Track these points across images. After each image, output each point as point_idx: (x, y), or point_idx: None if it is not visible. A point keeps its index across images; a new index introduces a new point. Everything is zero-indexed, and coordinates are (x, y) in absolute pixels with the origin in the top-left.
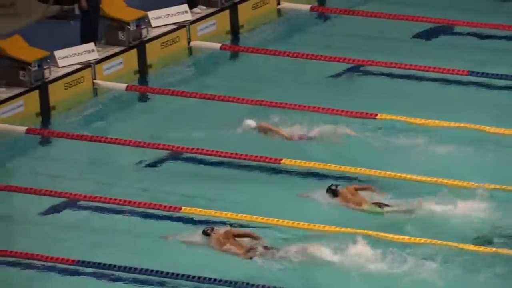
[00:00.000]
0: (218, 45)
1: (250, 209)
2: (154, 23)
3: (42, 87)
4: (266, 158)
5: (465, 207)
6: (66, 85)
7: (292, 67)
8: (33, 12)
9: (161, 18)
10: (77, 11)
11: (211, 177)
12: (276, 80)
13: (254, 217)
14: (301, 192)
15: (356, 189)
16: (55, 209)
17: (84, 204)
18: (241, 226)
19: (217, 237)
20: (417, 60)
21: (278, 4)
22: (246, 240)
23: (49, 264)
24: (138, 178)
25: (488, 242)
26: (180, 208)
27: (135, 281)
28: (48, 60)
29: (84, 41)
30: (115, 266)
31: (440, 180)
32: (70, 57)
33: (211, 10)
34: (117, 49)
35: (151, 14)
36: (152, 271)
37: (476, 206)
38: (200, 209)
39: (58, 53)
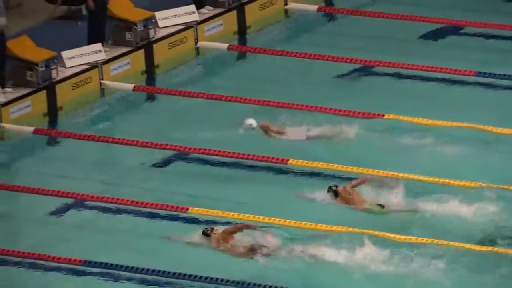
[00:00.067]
0: (225, 45)
1: (256, 209)
2: (161, 23)
3: (50, 88)
4: (273, 158)
5: (471, 208)
6: (74, 85)
7: (299, 68)
8: (41, 13)
9: (168, 19)
10: (84, 12)
11: (218, 177)
12: (283, 80)
13: (261, 217)
14: (300, 193)
15: (353, 186)
16: (62, 209)
17: (91, 204)
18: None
19: (217, 237)
20: (424, 60)
21: (285, 4)
22: (248, 240)
23: (57, 264)
24: (145, 178)
25: (494, 242)
26: (188, 209)
27: (142, 281)
28: (56, 61)
29: (91, 41)
30: (122, 266)
31: (447, 181)
32: (77, 57)
33: (218, 10)
34: (124, 50)
35: (158, 14)
36: (159, 271)
37: (482, 206)
38: (207, 210)
39: (65, 54)
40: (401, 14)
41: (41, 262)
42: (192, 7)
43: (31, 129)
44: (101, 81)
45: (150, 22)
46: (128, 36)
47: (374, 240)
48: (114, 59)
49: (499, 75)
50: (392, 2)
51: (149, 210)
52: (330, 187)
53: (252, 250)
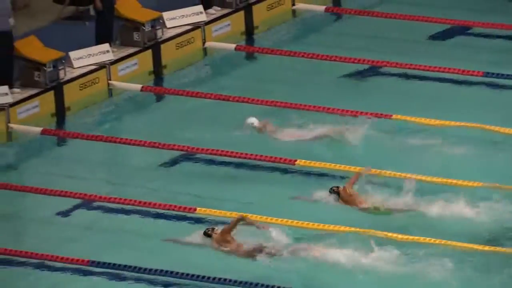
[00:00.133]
0: (233, 46)
1: (263, 209)
2: (169, 24)
3: (57, 88)
4: (280, 159)
5: (477, 208)
6: (81, 85)
7: (307, 68)
8: (48, 13)
9: (176, 19)
10: (92, 12)
11: (225, 177)
12: (291, 80)
13: (269, 218)
14: (302, 195)
15: (352, 184)
16: (70, 210)
17: (99, 205)
18: None
19: (217, 237)
20: (432, 61)
21: (293, 4)
22: (252, 240)
23: (63, 264)
24: (153, 179)
25: (502, 243)
26: (195, 209)
27: (149, 282)
28: (63, 61)
29: (99, 42)
30: (129, 266)
31: (454, 181)
32: (85, 58)
33: (226, 11)
34: (132, 50)
35: (166, 15)
36: (166, 271)
37: (489, 206)
38: (215, 210)
39: (73, 54)
40: (408, 14)
41: (48, 262)
42: (200, 8)
43: (39, 129)
44: (109, 81)
45: (157, 22)
46: (136, 36)
47: (380, 241)
48: (121, 60)
49: (507, 75)
50: (400, 2)
51: (156, 210)
52: (331, 188)
53: (256, 250)
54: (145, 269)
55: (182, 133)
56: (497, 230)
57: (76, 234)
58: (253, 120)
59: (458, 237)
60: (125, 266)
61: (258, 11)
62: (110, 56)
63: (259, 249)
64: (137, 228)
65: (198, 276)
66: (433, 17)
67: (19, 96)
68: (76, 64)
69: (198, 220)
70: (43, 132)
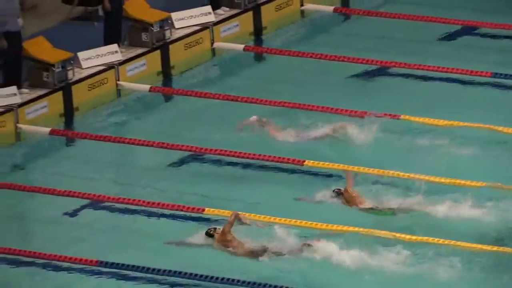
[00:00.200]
0: (242, 46)
1: (271, 209)
2: (177, 24)
3: (66, 88)
4: (289, 159)
5: (485, 208)
6: (90, 86)
7: (315, 68)
8: (57, 14)
9: (184, 20)
10: (101, 13)
11: (233, 178)
12: (299, 81)
13: (277, 218)
14: (305, 196)
15: (351, 184)
16: (77, 210)
17: (107, 205)
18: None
19: (219, 237)
20: (439, 61)
21: (302, 5)
22: (255, 241)
23: (71, 264)
24: (161, 179)
25: (509, 243)
26: (203, 209)
27: (156, 282)
28: (72, 61)
29: (107, 42)
30: (137, 267)
31: (462, 182)
32: (93, 58)
33: (234, 11)
34: (140, 51)
35: (174, 15)
36: (173, 272)
37: (497, 207)
38: (223, 210)
39: (81, 54)
40: (416, 15)
41: (55, 262)
42: (208, 8)
43: (47, 129)
44: (117, 82)
45: (166, 23)
46: (144, 37)
47: (387, 241)
48: (130, 60)
49: None
50: (408, 3)
51: (164, 210)
52: (334, 190)
53: (260, 250)
54: (153, 269)
55: (190, 133)
56: (505, 230)
57: (84, 234)
58: (254, 119)
59: (465, 238)
60: (132, 266)
61: (267, 12)
62: (118, 57)
63: (263, 249)
64: (145, 228)
65: (205, 276)
66: (441, 17)
67: (28, 97)
68: (84, 64)
69: (207, 220)
70: (52, 133)
